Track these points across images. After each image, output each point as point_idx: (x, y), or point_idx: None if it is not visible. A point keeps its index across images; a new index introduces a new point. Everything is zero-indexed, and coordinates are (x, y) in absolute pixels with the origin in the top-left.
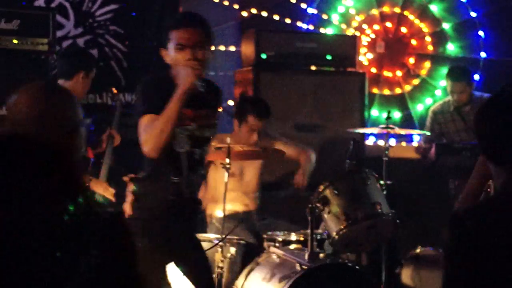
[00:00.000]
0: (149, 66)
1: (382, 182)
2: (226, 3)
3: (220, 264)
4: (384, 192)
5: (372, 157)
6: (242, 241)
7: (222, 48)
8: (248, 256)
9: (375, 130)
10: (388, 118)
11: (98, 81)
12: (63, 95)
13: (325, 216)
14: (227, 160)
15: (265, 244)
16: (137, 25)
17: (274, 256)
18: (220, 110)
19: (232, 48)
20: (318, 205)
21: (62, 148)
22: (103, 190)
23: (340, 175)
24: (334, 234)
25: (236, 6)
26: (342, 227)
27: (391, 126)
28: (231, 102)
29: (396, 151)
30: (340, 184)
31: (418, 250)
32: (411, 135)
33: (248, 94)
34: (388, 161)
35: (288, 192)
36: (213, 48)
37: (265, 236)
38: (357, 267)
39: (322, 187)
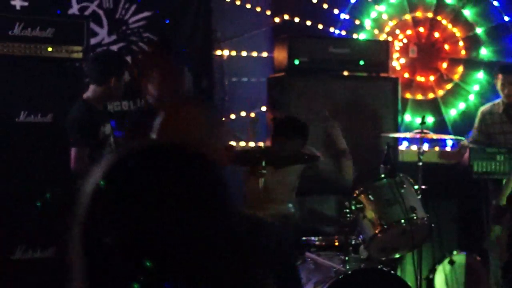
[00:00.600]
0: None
1: (417, 186)
2: (258, 9)
3: None
4: (419, 197)
5: (406, 162)
6: None
7: (254, 54)
8: None
9: (409, 135)
10: (423, 123)
11: (132, 87)
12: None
13: (360, 221)
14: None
15: (301, 249)
16: (170, 32)
17: (309, 261)
18: None
19: (265, 54)
20: (353, 210)
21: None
22: None
23: (375, 180)
24: (369, 239)
25: (268, 12)
26: (377, 231)
27: (425, 131)
28: (264, 108)
29: (429, 156)
30: (375, 189)
31: (452, 255)
32: (444, 140)
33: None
34: (423, 165)
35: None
36: (244, 54)
37: (300, 241)
38: (392, 272)
39: (357, 192)
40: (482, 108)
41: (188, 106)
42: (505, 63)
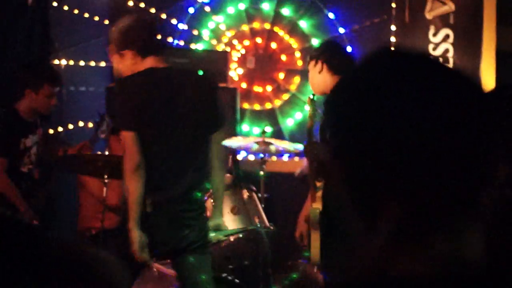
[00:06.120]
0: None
1: (259, 195)
2: (96, 18)
3: None
4: (262, 206)
5: (247, 171)
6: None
7: (92, 63)
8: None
9: (252, 143)
10: (263, 132)
11: None
12: None
13: None
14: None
15: None
16: (3, 41)
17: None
18: None
19: (103, 64)
20: None
21: None
22: None
23: None
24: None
25: (106, 22)
26: (221, 239)
27: (267, 140)
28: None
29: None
30: None
31: (289, 264)
32: (282, 150)
33: None
34: (265, 175)
35: None
36: (82, 63)
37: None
38: (236, 280)
39: None
40: None
41: None
42: None
